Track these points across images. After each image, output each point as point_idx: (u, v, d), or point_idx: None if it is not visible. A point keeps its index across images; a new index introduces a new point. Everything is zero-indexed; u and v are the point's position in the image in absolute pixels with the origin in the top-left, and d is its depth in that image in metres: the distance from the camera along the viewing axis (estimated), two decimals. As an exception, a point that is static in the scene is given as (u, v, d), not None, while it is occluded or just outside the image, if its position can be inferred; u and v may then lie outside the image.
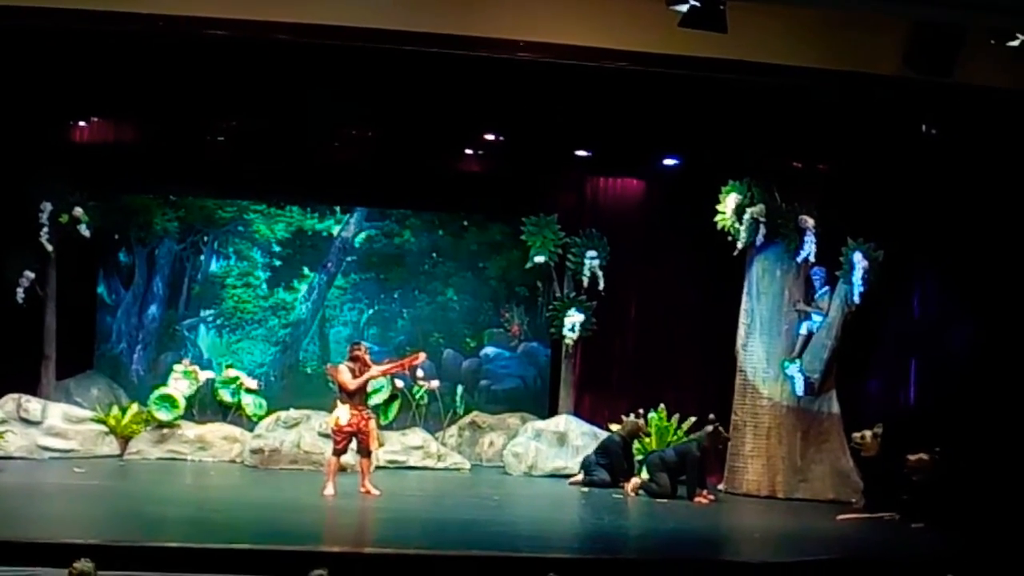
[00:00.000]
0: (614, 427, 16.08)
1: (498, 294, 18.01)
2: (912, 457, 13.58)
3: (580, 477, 15.50)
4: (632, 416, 15.75)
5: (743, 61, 11.90)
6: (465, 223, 17.99)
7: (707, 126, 14.47)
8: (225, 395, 16.71)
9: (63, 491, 13.32)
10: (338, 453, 13.56)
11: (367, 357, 13.70)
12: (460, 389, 17.57)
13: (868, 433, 14.15)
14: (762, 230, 15.23)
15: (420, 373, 16.51)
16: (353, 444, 13.56)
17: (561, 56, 12.03)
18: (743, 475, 15.38)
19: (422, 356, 14.69)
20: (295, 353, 17.59)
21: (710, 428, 14.79)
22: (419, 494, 14.35)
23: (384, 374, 14.46)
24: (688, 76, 12.41)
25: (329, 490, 13.32)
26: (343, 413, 13.41)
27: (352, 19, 11.45)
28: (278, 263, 17.57)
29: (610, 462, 15.37)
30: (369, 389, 14.22)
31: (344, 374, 13.48)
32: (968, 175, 14.56)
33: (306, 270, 17.65)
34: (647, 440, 15.86)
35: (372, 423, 13.64)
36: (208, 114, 15.56)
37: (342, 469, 13.80)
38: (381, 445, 14.07)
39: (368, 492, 13.46)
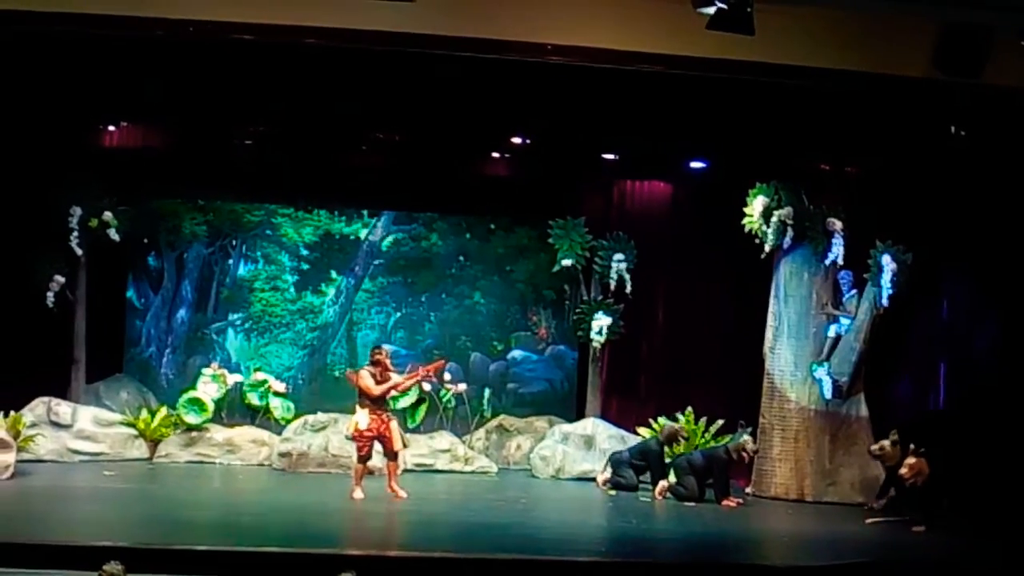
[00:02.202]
0: (643, 432, 16.05)
1: (525, 297, 18.00)
2: (904, 470, 13.47)
3: (607, 474, 15.43)
4: (670, 421, 15.67)
5: (771, 63, 11.89)
6: (492, 226, 17.99)
7: (734, 128, 14.45)
8: (253, 398, 16.77)
9: (93, 494, 13.39)
10: (363, 459, 13.50)
11: (388, 361, 13.66)
12: (487, 392, 17.60)
13: (886, 443, 13.97)
14: (790, 232, 15.19)
15: (447, 376, 16.54)
16: (378, 447, 13.54)
17: (589, 59, 12.03)
18: (771, 478, 15.33)
19: (442, 363, 14.68)
20: (323, 357, 17.63)
21: (738, 434, 14.73)
22: (446, 497, 14.37)
23: (407, 385, 14.24)
24: (715, 79, 12.39)
25: (358, 493, 13.32)
26: (362, 418, 13.36)
27: (379, 23, 11.47)
28: (306, 267, 17.62)
29: (647, 465, 15.28)
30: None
31: (366, 379, 13.43)
32: (997, 177, 14.48)
33: (334, 274, 17.69)
34: (677, 446, 15.79)
35: (394, 424, 13.57)
36: (236, 118, 15.64)
37: (369, 472, 13.79)
38: (406, 446, 13.99)
39: (395, 494, 13.44)
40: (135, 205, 16.77)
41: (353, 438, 13.66)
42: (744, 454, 14.80)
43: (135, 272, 17.33)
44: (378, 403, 13.49)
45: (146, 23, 11.41)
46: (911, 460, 13.39)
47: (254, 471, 15.76)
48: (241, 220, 17.53)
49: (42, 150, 15.65)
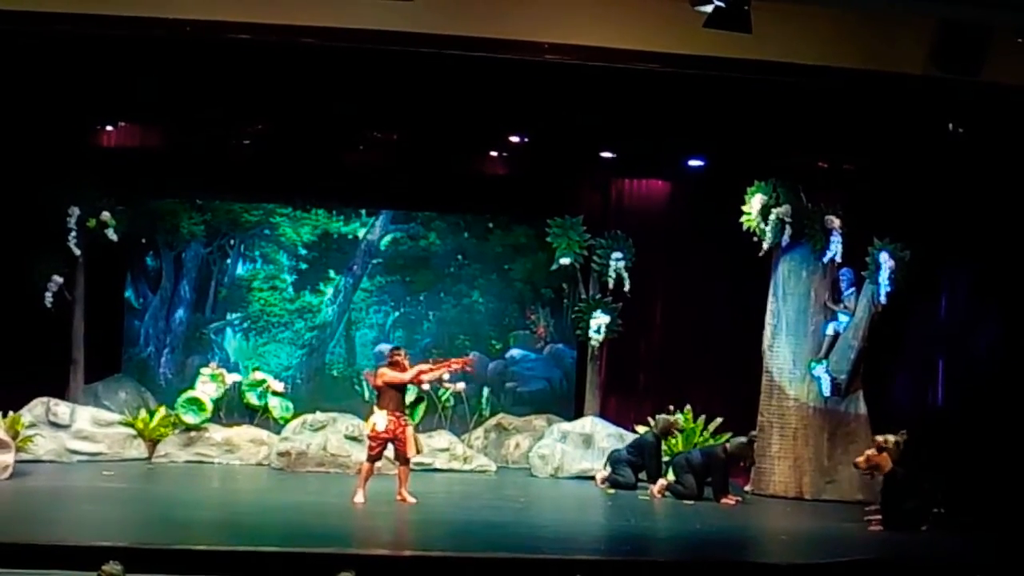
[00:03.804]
0: (641, 430, 16.02)
1: (524, 296, 18.00)
2: (860, 458, 13.47)
3: (606, 472, 15.45)
4: (664, 414, 15.66)
5: (768, 62, 11.88)
6: (490, 225, 17.99)
7: (732, 127, 14.43)
8: (252, 398, 16.77)
9: (92, 494, 13.38)
10: (372, 459, 13.37)
11: (406, 362, 13.46)
12: (486, 391, 17.60)
13: (891, 438, 13.86)
14: (788, 231, 15.19)
15: (446, 376, 16.52)
16: (389, 452, 13.43)
17: (586, 58, 12.03)
18: (770, 476, 15.33)
19: (472, 359, 14.65)
20: (321, 356, 17.63)
21: (743, 439, 14.75)
22: (445, 496, 14.35)
23: (436, 373, 13.93)
24: (713, 77, 12.38)
25: (359, 497, 13.15)
26: (380, 419, 13.19)
27: (377, 22, 11.47)
28: (304, 266, 17.62)
29: (643, 461, 15.31)
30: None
31: (390, 373, 13.25)
32: (995, 174, 14.48)
33: (332, 273, 17.69)
34: (673, 441, 15.82)
35: (410, 430, 13.39)
36: (234, 118, 15.63)
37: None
38: (420, 452, 13.81)
39: (404, 500, 13.28)
40: (133, 205, 16.76)
41: (367, 437, 13.53)
42: (744, 458, 14.86)
43: (133, 272, 17.33)
44: (396, 405, 13.30)
45: (143, 23, 11.40)
46: (871, 451, 13.39)
47: (253, 471, 15.76)
48: (239, 220, 17.53)
49: (40, 150, 15.65)
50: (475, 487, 15.23)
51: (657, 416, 15.70)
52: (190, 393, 16.32)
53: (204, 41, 12.02)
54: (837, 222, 15.10)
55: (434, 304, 17.83)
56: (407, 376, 13.32)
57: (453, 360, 14.16)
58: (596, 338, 16.96)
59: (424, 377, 13.86)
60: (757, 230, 15.37)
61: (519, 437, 17.06)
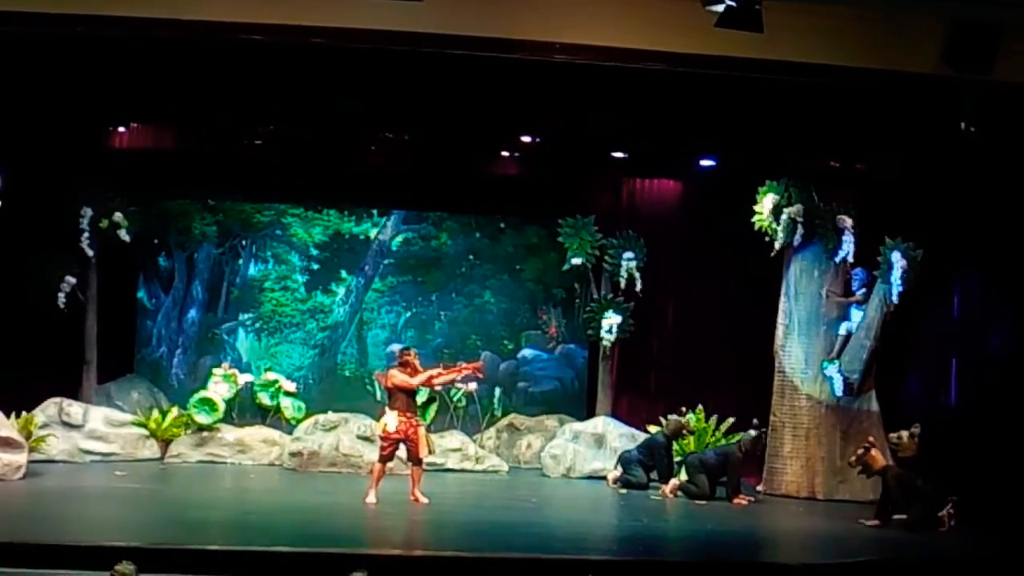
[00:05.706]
0: (653, 430, 16.02)
1: (535, 296, 18.01)
2: (852, 459, 13.58)
3: (617, 472, 15.45)
4: (675, 415, 15.66)
5: (779, 61, 11.87)
6: (502, 225, 18.01)
7: (744, 126, 14.42)
8: (264, 398, 16.80)
9: (104, 494, 13.42)
10: (384, 460, 13.34)
11: (416, 362, 13.43)
12: (498, 391, 17.61)
13: (904, 433, 13.86)
14: (800, 230, 15.17)
15: (457, 378, 16.52)
16: (402, 452, 13.43)
17: (597, 58, 12.02)
18: (782, 476, 15.31)
19: (482, 364, 14.67)
20: (333, 356, 17.65)
21: (754, 433, 14.73)
22: (457, 497, 14.35)
23: (446, 378, 13.90)
24: (724, 76, 12.37)
25: (371, 498, 13.13)
26: (391, 420, 13.19)
27: (388, 23, 11.47)
28: (316, 267, 17.65)
29: (653, 462, 15.32)
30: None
31: (400, 375, 13.28)
32: (1008, 173, 14.44)
33: (344, 273, 17.72)
34: (685, 441, 15.81)
35: (422, 430, 13.36)
36: (246, 119, 15.66)
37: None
38: (431, 452, 13.76)
39: (417, 501, 13.27)
40: (145, 206, 16.82)
41: (379, 438, 13.51)
42: (758, 451, 14.88)
43: (146, 273, 17.38)
44: (408, 406, 13.31)
45: (156, 24, 11.42)
46: (860, 450, 13.47)
47: (265, 471, 15.77)
48: (251, 220, 17.57)
49: (53, 151, 15.69)
50: (487, 487, 15.23)
51: (668, 417, 15.69)
52: (202, 393, 16.35)
53: (215, 42, 12.04)
54: (849, 221, 15.08)
55: (446, 304, 17.85)
56: (416, 382, 13.31)
57: (464, 365, 14.15)
58: (608, 338, 16.96)
59: (435, 382, 13.86)
60: (769, 230, 15.36)
61: (531, 437, 17.07)
